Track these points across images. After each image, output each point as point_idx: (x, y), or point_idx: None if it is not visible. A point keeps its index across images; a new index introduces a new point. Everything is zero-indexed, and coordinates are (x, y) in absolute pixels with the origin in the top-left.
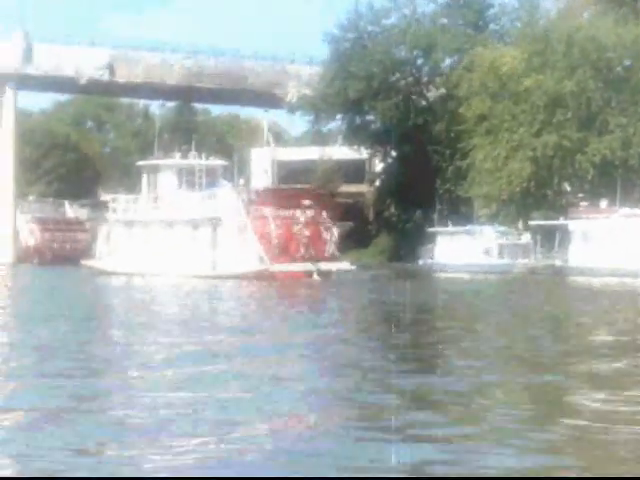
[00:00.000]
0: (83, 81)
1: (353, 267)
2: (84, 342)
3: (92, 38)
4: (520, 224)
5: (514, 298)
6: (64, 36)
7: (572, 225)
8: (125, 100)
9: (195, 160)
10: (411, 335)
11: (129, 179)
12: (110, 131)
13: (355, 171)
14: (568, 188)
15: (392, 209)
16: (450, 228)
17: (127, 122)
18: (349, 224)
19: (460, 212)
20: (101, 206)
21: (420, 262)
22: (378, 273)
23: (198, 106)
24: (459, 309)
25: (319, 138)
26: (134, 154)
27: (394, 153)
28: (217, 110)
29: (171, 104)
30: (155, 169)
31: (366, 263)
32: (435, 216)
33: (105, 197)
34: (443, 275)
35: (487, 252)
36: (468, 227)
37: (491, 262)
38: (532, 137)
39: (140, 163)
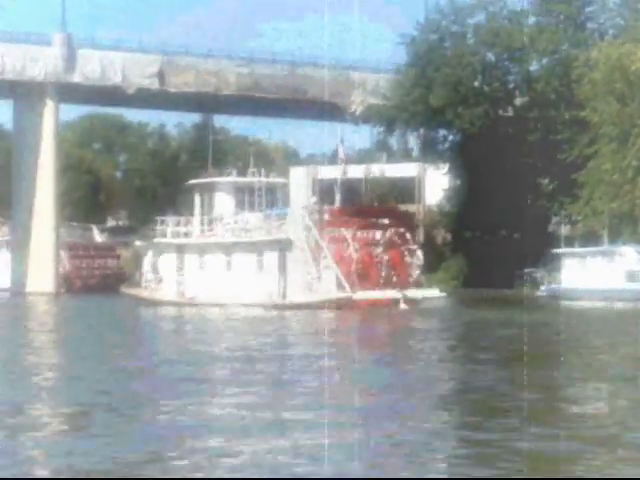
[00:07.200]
0: (131, 90)
1: (443, 294)
2: None
3: (141, 43)
4: None
5: None
6: (110, 41)
7: None
8: (135, 120)
9: (255, 177)
10: None
11: (144, 202)
12: (120, 153)
13: (404, 190)
14: None
15: (467, 231)
16: (581, 249)
17: (139, 143)
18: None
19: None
20: (122, 231)
21: (542, 288)
22: (474, 299)
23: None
24: None
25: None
26: (149, 176)
27: (472, 168)
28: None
29: (189, 124)
30: (210, 188)
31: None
32: (561, 236)
33: (112, 222)
34: (575, 303)
35: (631, 276)
36: (604, 247)
37: (636, 288)
38: None
39: (192, 182)
